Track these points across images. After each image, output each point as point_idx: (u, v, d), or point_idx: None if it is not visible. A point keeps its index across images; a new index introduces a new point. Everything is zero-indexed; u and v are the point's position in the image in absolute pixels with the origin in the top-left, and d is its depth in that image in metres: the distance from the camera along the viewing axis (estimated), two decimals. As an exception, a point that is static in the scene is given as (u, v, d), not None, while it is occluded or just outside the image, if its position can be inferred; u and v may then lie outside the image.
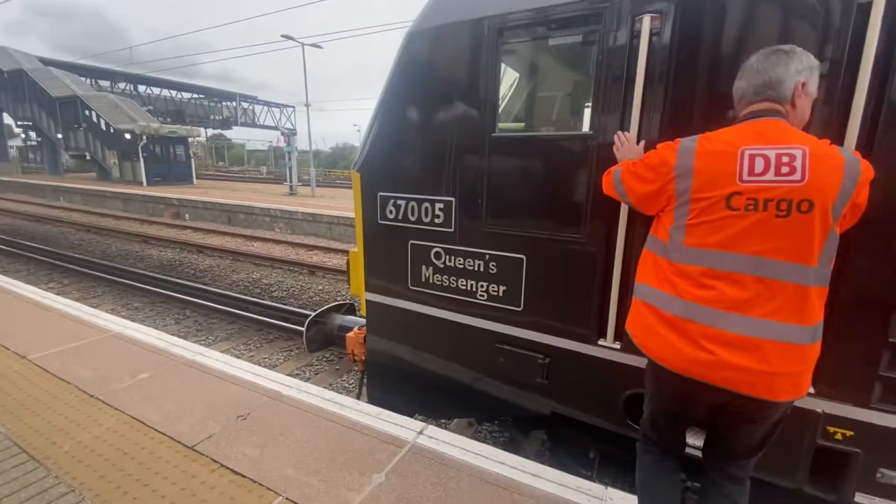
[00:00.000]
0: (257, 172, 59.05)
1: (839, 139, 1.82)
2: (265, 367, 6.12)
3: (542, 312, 2.67)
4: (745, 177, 1.40)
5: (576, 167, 2.42)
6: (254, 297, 8.76)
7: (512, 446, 3.26)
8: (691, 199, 1.50)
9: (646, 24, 2.12)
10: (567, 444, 2.97)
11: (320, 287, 9.49)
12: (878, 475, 1.97)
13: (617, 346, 2.47)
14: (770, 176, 1.37)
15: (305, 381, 5.80)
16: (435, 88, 2.82)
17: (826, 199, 1.34)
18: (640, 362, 2.40)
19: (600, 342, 2.51)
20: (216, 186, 27.94)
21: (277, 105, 51.47)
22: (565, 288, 2.56)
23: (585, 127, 2.38)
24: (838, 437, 2.02)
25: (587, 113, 2.72)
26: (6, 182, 29.34)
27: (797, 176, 1.34)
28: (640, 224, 2.28)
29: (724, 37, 2.03)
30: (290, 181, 22.31)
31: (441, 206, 2.89)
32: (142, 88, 41.54)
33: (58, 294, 8.79)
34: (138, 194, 21.34)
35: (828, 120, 1.85)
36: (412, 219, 3.02)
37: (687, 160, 1.53)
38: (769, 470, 2.19)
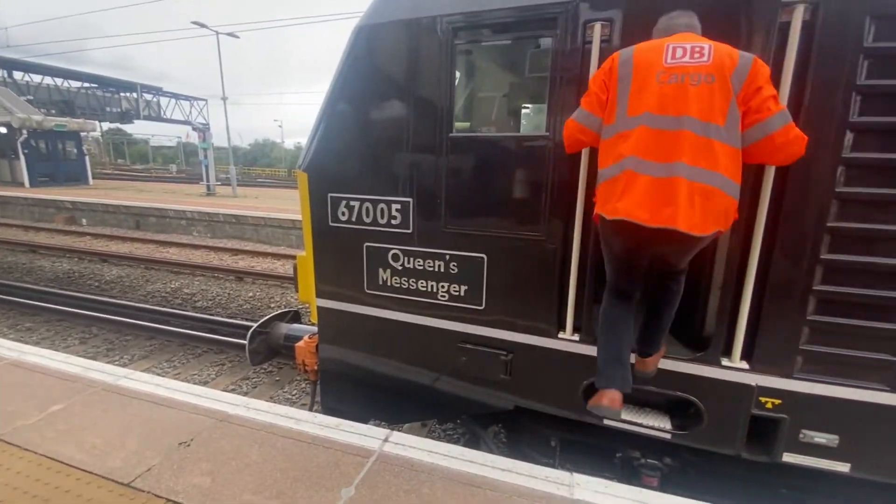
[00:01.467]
0: (166, 171, 53.89)
1: None
2: (195, 384, 5.66)
3: (504, 310, 2.72)
4: (669, 60, 1.87)
5: (533, 167, 2.49)
6: (174, 308, 8.01)
7: (472, 444, 3.29)
8: (632, 80, 1.93)
9: (597, 31, 2.22)
10: (529, 435, 3.06)
11: (250, 294, 8.90)
12: (801, 436, 2.26)
13: (576, 338, 2.58)
14: (686, 59, 1.85)
15: (243, 395, 5.45)
16: (389, 86, 2.75)
17: (724, 73, 1.80)
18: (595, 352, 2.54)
19: (560, 335, 2.61)
20: (118, 187, 25.09)
21: (187, 97, 47.15)
22: (526, 285, 2.63)
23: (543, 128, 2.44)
24: (769, 405, 2.28)
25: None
26: None
27: (705, 58, 1.83)
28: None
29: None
30: (208, 180, 20.63)
31: (398, 206, 2.82)
32: (18, 76, 35.93)
33: (-79, 319, 7.43)
34: (20, 197, 18.54)
35: None
36: (367, 220, 2.92)
37: (628, 56, 1.97)
38: (713, 441, 2.42)
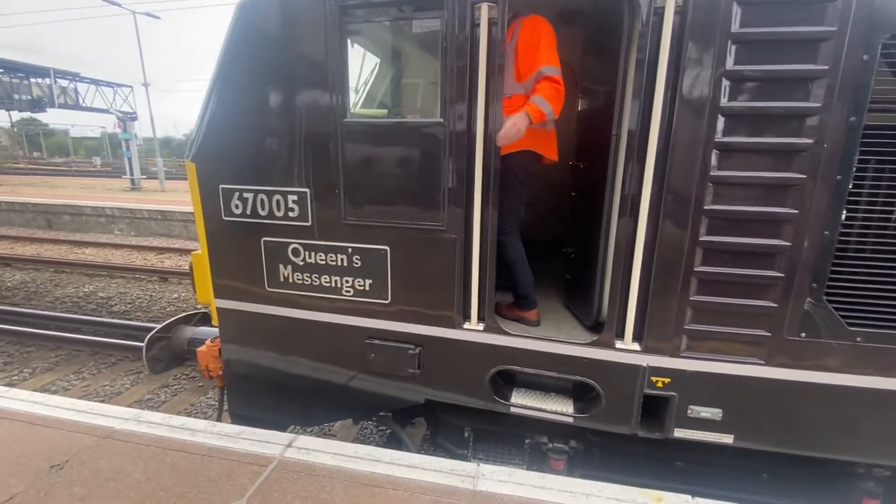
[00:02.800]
0: (89, 164, 49.44)
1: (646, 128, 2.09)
2: (105, 395, 5.22)
3: (410, 303, 2.64)
4: None
5: (429, 155, 2.40)
6: (86, 314, 7.34)
7: (394, 441, 3.22)
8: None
9: (484, 12, 2.15)
10: (443, 427, 3.03)
11: (175, 295, 8.33)
12: (689, 412, 2.35)
13: (480, 327, 2.55)
14: None
15: (160, 405, 5.09)
16: (277, 69, 2.55)
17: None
18: (502, 341, 2.52)
19: (465, 325, 2.57)
20: (29, 182, 22.74)
21: (109, 84, 43.17)
22: (430, 276, 2.56)
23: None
24: (659, 384, 2.35)
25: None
26: None
27: None
28: (492, 209, 2.37)
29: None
30: (131, 174, 19.09)
31: (295, 198, 2.65)
32: None
33: None
34: None
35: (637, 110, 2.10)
36: (263, 213, 2.73)
37: None
38: (610, 421, 2.48)
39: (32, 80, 39.05)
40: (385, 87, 3.33)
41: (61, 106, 41.08)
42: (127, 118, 19.86)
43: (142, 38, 19.11)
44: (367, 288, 2.68)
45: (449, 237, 2.46)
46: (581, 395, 2.60)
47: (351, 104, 2.54)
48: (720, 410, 2.32)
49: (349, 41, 2.49)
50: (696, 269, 2.18)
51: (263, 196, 2.70)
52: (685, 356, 2.29)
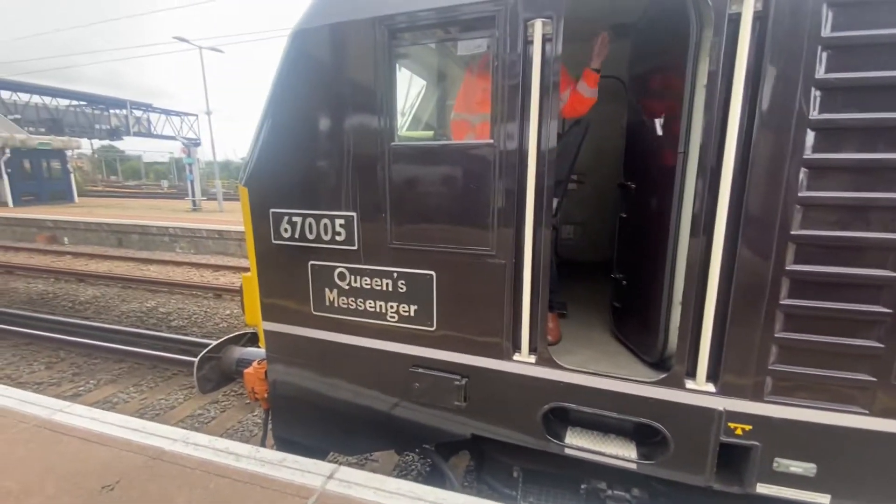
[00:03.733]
0: (157, 187, 53.53)
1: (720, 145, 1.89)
2: (161, 409, 5.41)
3: (457, 331, 2.51)
4: None
5: (478, 177, 2.30)
6: (147, 328, 7.74)
7: (436, 474, 3.06)
8: None
9: (538, 28, 2.05)
10: (489, 464, 2.84)
11: (228, 312, 8.65)
12: (775, 465, 2.05)
13: (532, 359, 2.38)
14: None
15: (210, 420, 5.20)
16: (326, 94, 2.57)
17: None
18: (556, 375, 2.34)
19: (515, 357, 2.41)
20: (105, 204, 24.80)
21: (177, 113, 47.12)
22: (477, 303, 2.43)
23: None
24: (738, 432, 2.08)
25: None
26: None
27: None
28: (545, 232, 2.22)
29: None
30: (193, 195, 20.39)
31: (342, 222, 2.63)
32: (6, 95, 35.78)
33: None
34: (1, 217, 18.23)
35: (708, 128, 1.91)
36: (311, 237, 2.72)
37: None
38: (680, 470, 2.21)
39: (111, 111, 43.29)
40: (432, 110, 3.30)
41: (135, 134, 45.17)
42: (191, 144, 21.38)
43: (206, 70, 20.66)
44: (413, 314, 2.59)
45: (498, 262, 2.33)
46: (646, 438, 2.35)
47: (398, 127, 2.50)
48: (814, 465, 2.01)
49: (397, 65, 2.47)
50: (781, 302, 1.92)
51: (312, 220, 2.69)
52: (770, 401, 2.01)
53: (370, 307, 2.67)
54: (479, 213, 2.32)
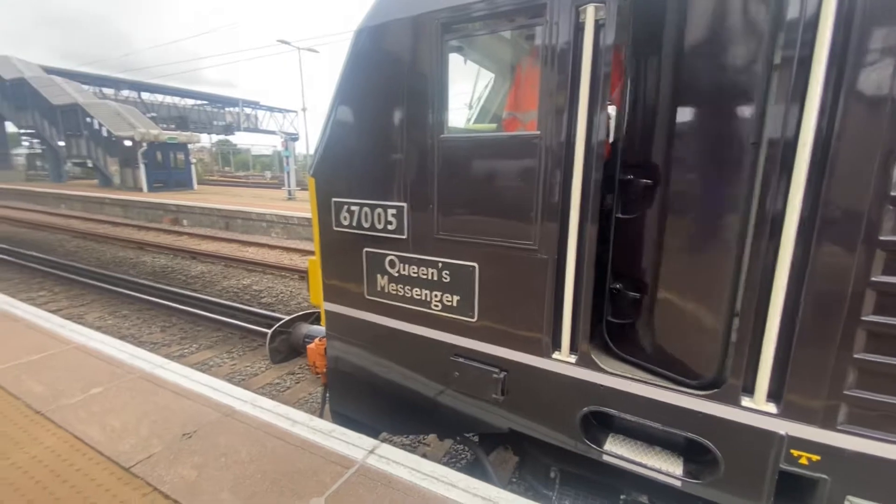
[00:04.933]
0: (261, 177, 59.30)
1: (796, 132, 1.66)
2: (246, 375, 6.06)
3: (497, 324, 2.51)
4: None
5: (523, 170, 2.27)
6: (241, 303, 8.66)
7: (477, 467, 3.10)
8: None
9: (590, 14, 1.96)
10: (528, 461, 2.81)
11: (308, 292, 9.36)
12: (847, 503, 1.80)
13: (572, 359, 2.31)
14: None
15: (285, 390, 5.72)
16: (383, 88, 2.69)
17: None
18: (597, 378, 2.25)
19: (555, 355, 2.35)
20: (218, 192, 28.02)
21: (280, 110, 51.71)
22: (518, 298, 2.41)
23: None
24: (803, 461, 1.84)
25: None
26: (7, 190, 29.61)
27: None
28: (591, 228, 2.13)
29: (679, 27, 1.88)
30: (288, 185, 22.27)
31: (393, 211, 2.74)
32: (146, 96, 41.92)
33: (48, 302, 8.79)
34: (138, 201, 21.42)
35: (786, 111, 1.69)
36: (366, 225, 2.88)
37: None
38: (731, 494, 2.01)
39: (227, 109, 48.68)
40: (485, 101, 3.29)
41: (245, 129, 50.35)
42: (289, 138, 23.34)
43: (304, 70, 22.36)
44: (455, 304, 2.63)
45: (540, 257, 2.29)
46: (694, 454, 2.18)
47: (454, 120, 2.53)
48: None
49: (450, 57, 2.50)
50: (864, 318, 1.66)
51: (367, 209, 2.84)
52: (844, 430, 1.76)
53: (416, 294, 2.77)
54: (523, 206, 2.29)
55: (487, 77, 3.23)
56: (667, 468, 2.15)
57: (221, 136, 58.34)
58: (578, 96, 2.04)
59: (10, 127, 37.99)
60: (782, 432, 1.86)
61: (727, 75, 1.82)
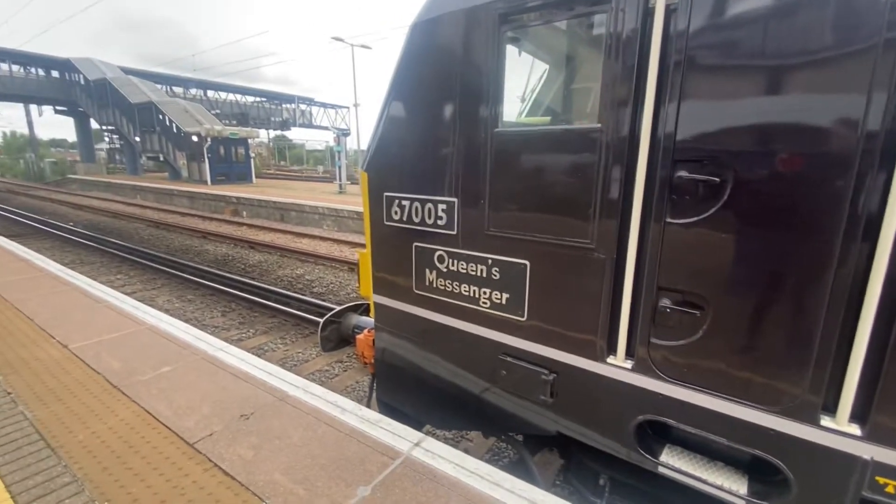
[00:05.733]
0: (314, 171, 61.62)
1: None
2: (298, 361, 6.32)
3: (548, 324, 2.45)
4: None
5: (582, 165, 2.18)
6: (295, 292, 9.04)
7: (521, 467, 3.05)
8: None
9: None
10: (576, 465, 2.73)
11: (357, 284, 9.61)
12: (946, 543, 1.59)
13: (628, 365, 2.20)
14: None
15: (333, 377, 5.91)
16: (436, 82, 2.67)
17: None
18: (655, 386, 2.13)
19: (609, 360, 2.26)
20: (274, 185, 29.40)
21: (333, 106, 53.33)
22: (572, 298, 2.33)
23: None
24: (890, 489, 1.65)
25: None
26: (92, 182, 32.62)
27: None
28: (654, 226, 2.01)
29: (758, 13, 1.71)
30: (339, 179, 22.96)
31: (444, 207, 2.73)
32: (210, 93, 44.61)
33: (124, 284, 9.58)
34: (202, 192, 22.88)
35: None
36: (416, 220, 2.89)
37: None
38: None
39: (283, 105, 50.81)
40: (541, 94, 3.19)
41: (300, 125, 52.32)
42: (341, 133, 24.07)
43: (357, 66, 22.91)
44: (504, 302, 2.59)
45: (597, 256, 2.19)
46: (761, 472, 2.02)
47: (506, 113, 2.48)
48: None
49: (506, 49, 2.44)
50: None
51: (418, 204, 2.85)
52: None
53: (465, 291, 2.75)
54: (580, 203, 2.20)
55: (542, 69, 3.13)
56: (730, 486, 2.00)
57: (278, 132, 61.14)
58: (645, 87, 1.92)
59: (93, 124, 41.76)
60: (867, 457, 1.67)
61: (828, 58, 1.63)
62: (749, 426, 1.91)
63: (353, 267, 10.85)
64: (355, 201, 19.09)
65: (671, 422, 2.11)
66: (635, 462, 2.26)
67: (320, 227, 17.13)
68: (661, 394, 2.12)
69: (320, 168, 64.27)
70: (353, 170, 32.22)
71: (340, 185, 22.88)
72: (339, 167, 23.00)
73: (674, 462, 2.16)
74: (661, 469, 2.17)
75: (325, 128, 52.17)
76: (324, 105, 53.06)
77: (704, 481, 2.05)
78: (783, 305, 1.79)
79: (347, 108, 52.95)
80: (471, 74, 2.49)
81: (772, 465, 1.90)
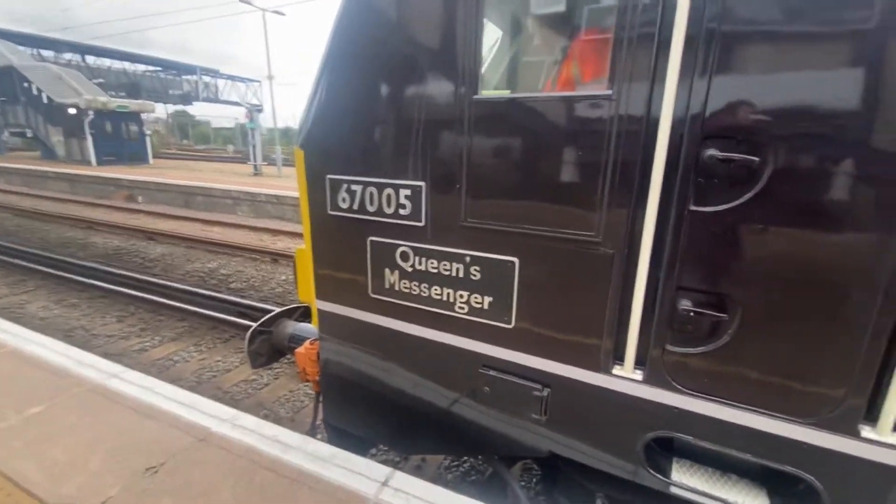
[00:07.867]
0: (223, 151, 56.27)
1: None
2: (218, 371, 5.46)
3: (540, 331, 2.07)
4: None
5: (587, 140, 1.79)
6: (208, 289, 7.92)
7: (495, 484, 2.71)
8: None
9: None
10: (565, 483, 2.44)
11: (283, 277, 8.70)
12: None
13: (638, 375, 1.90)
14: None
15: (262, 387, 5.17)
16: (397, 36, 2.12)
17: None
18: (669, 398, 1.85)
19: (616, 370, 1.94)
20: (175, 166, 26.17)
21: (242, 79, 48.74)
22: (571, 300, 1.97)
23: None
24: (939, 505, 1.52)
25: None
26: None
27: None
28: (675, 219, 1.69)
29: None
30: (254, 160, 20.97)
31: (407, 193, 2.22)
32: (91, 60, 38.42)
33: (-23, 291, 7.77)
34: (85, 175, 19.66)
35: None
36: (371, 209, 2.34)
37: None
38: None
39: (183, 76, 45.47)
40: (518, 60, 2.75)
41: (204, 99, 47.32)
42: (254, 110, 21.90)
43: (269, 34, 20.80)
44: (486, 306, 2.17)
45: (604, 252, 1.84)
46: (781, 486, 1.84)
47: (484, 81, 2.01)
48: None
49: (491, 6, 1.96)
50: None
51: (373, 189, 2.31)
52: None
53: (436, 294, 2.28)
54: (584, 188, 1.82)
55: (535, 26, 2.66)
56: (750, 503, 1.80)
57: (179, 107, 54.82)
58: (671, 42, 1.56)
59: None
60: None
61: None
62: (777, 440, 1.70)
63: (275, 258, 9.83)
64: (275, 184, 17.51)
65: (689, 438, 1.86)
66: (644, 483, 2.00)
67: (234, 214, 15.50)
68: (676, 407, 1.85)
69: (230, 148, 58.97)
70: (269, 150, 29.68)
71: (256, 167, 20.92)
72: (254, 146, 20.96)
73: (685, 479, 1.92)
74: (672, 489, 1.92)
75: (235, 103, 47.66)
76: (231, 78, 48.26)
77: (724, 501, 1.82)
78: (827, 307, 1.56)
79: (259, 81, 48.72)
80: (442, 28, 1.98)
81: (792, 477, 1.72)
